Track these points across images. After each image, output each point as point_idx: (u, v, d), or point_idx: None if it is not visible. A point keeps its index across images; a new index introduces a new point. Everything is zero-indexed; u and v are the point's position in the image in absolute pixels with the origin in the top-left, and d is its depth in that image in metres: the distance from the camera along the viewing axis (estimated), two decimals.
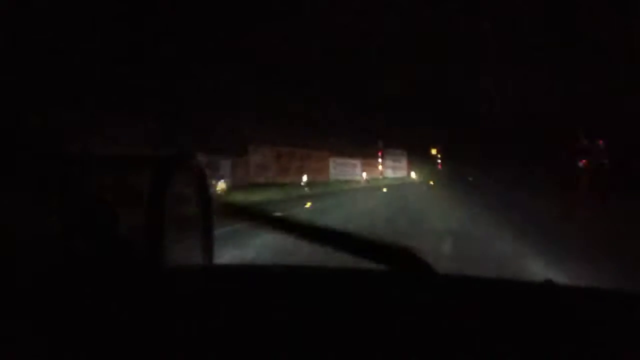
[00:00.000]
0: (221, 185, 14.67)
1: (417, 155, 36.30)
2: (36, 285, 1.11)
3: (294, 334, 0.95)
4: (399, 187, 24.82)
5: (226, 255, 5.71)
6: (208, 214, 1.43)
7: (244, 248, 6.32)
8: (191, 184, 1.40)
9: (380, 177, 30.45)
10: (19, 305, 1.03)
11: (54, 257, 1.30)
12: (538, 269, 5.22)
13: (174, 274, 1.29)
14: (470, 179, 30.90)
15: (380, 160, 30.84)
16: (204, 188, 1.43)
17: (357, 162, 28.17)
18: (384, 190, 22.34)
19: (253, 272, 1.54)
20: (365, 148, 30.04)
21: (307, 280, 1.36)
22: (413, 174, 34.98)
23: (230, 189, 15.87)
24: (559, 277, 4.58)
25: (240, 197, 14.10)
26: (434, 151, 38.92)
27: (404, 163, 34.61)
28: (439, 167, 38.79)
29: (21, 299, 1.05)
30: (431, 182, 29.79)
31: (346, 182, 25.63)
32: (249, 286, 1.29)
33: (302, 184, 21.12)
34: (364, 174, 27.79)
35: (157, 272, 1.21)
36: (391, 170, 32.83)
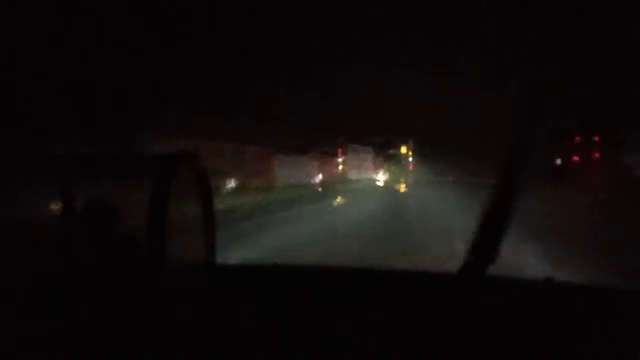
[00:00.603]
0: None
1: (385, 152, 32.14)
2: (39, 285, 1.17)
3: (295, 332, 1.02)
4: (362, 194, 20.21)
5: None
6: (210, 213, 1.50)
7: None
8: (193, 183, 1.44)
9: (340, 178, 25.85)
10: (21, 305, 1.08)
11: (57, 257, 1.40)
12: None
13: (176, 272, 1.31)
14: (450, 178, 29.19)
15: (340, 159, 26.19)
16: (205, 187, 1.49)
17: (312, 161, 23.47)
18: (338, 201, 17.71)
19: (255, 271, 1.68)
20: (323, 144, 25.41)
21: (308, 280, 1.48)
22: (380, 175, 30.55)
23: None
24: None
25: None
26: (404, 149, 34.83)
27: (369, 162, 30.22)
28: (410, 166, 34.75)
29: (23, 299, 1.09)
30: (403, 187, 25.32)
31: (296, 187, 20.93)
32: (251, 285, 1.41)
33: (225, 191, 16.27)
34: (320, 176, 23.08)
35: (160, 271, 1.21)
36: (355, 171, 28.39)
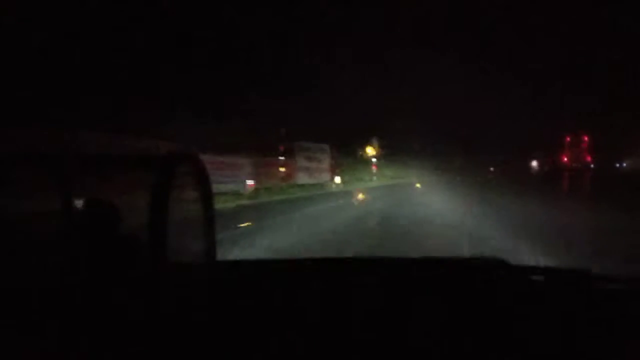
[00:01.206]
0: None
1: (344, 153, 27.44)
2: (39, 285, 1.19)
3: (295, 327, 1.05)
4: (300, 211, 15.40)
5: None
6: (210, 211, 1.51)
7: None
8: (193, 181, 1.47)
9: (283, 184, 20.74)
10: (22, 304, 1.10)
11: (56, 258, 1.40)
12: None
13: (177, 270, 1.36)
14: (418, 185, 27.06)
15: (282, 158, 21.08)
16: (205, 185, 1.51)
17: (244, 162, 18.43)
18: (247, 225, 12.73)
19: (255, 268, 1.69)
20: (262, 139, 20.55)
21: (308, 274, 1.52)
22: (338, 180, 25.52)
23: None
24: None
25: None
26: (370, 150, 30.22)
27: (325, 163, 25.37)
28: (374, 168, 30.18)
29: (24, 298, 1.11)
30: (360, 196, 20.18)
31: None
32: (252, 281, 1.45)
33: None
34: (250, 182, 17.95)
35: (161, 269, 1.23)
36: (305, 174, 23.43)
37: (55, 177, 1.52)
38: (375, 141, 31.06)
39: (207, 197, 1.48)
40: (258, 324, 1.08)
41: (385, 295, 1.22)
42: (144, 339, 0.99)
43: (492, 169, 49.55)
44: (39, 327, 1.02)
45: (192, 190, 1.44)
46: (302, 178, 23.58)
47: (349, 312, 1.12)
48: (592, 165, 48.26)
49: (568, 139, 47.37)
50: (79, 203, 1.58)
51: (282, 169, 21.73)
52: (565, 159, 47.81)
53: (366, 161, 30.96)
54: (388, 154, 32.73)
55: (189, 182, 1.42)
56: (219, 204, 15.62)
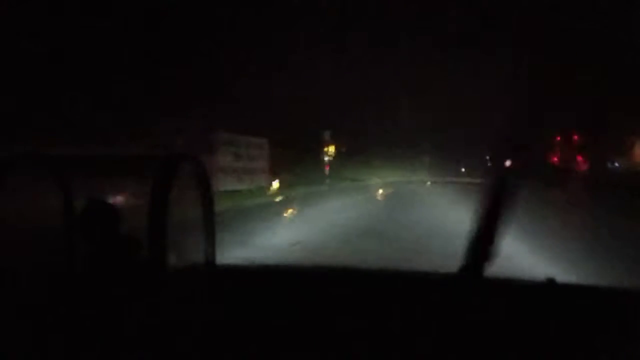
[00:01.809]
0: None
1: (297, 150, 21.59)
2: (40, 285, 1.20)
3: (295, 332, 1.04)
4: None
5: None
6: (210, 211, 1.50)
7: None
8: (193, 182, 1.45)
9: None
10: (22, 305, 1.09)
11: (57, 257, 1.42)
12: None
13: (177, 273, 1.35)
14: (381, 191, 23.44)
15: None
16: (205, 188, 1.49)
17: None
18: None
19: (255, 272, 1.69)
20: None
21: (308, 280, 1.50)
22: (275, 184, 19.40)
23: None
24: None
25: None
26: (332, 149, 24.48)
27: (261, 163, 19.08)
28: (327, 168, 24.55)
29: (25, 299, 1.11)
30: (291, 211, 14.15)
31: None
32: (251, 285, 1.44)
33: None
34: (116, 197, 11.43)
35: (160, 271, 1.21)
36: (232, 177, 17.33)
37: (55, 177, 1.52)
38: (328, 136, 25.05)
39: (207, 197, 1.49)
40: (255, 328, 1.03)
41: (385, 310, 1.14)
42: (143, 339, 0.96)
43: (463, 169, 45.54)
44: (39, 326, 0.99)
45: (192, 190, 1.41)
46: (226, 183, 17.43)
47: (343, 323, 1.05)
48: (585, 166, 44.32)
49: (558, 138, 43.41)
50: (79, 203, 1.53)
51: None
52: (555, 159, 43.74)
53: (320, 160, 25.16)
54: (348, 153, 27.38)
55: (188, 183, 1.40)
56: None
